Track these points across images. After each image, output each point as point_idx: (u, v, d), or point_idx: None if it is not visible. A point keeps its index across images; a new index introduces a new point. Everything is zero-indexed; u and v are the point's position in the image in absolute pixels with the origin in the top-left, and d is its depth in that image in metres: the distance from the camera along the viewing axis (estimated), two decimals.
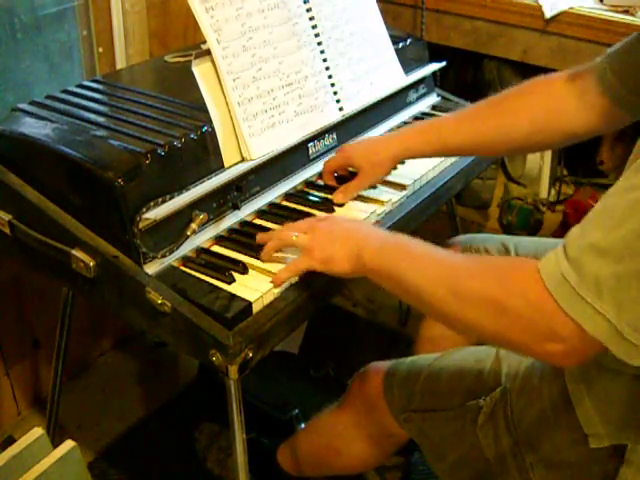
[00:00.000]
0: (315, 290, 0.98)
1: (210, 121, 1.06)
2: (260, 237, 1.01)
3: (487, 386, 1.02)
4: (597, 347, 0.70)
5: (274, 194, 1.15)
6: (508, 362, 1.03)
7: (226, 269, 0.97)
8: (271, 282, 0.95)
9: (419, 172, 1.24)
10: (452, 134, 1.12)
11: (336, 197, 1.16)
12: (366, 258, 0.88)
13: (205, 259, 1.01)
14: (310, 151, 1.22)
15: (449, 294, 0.77)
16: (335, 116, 1.24)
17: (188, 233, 0.99)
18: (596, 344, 0.69)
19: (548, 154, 1.95)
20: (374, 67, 1.33)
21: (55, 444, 1.12)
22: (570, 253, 0.69)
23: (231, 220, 1.08)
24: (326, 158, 1.25)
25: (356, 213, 1.11)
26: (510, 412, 0.99)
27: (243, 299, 0.91)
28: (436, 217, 1.00)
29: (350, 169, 1.19)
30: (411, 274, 0.82)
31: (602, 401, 0.93)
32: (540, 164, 1.99)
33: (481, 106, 1.13)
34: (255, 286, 0.94)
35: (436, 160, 1.28)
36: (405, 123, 1.44)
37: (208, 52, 1.05)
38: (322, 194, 1.17)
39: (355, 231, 0.92)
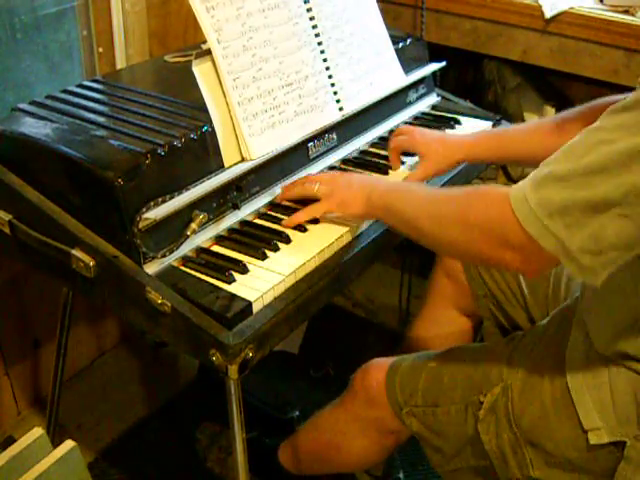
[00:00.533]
0: (315, 290, 0.98)
1: (210, 121, 1.06)
2: (283, 193, 1.13)
3: (488, 382, 1.03)
4: (550, 259, 0.79)
5: (274, 194, 1.15)
6: (509, 359, 1.04)
7: (226, 269, 0.97)
8: (284, 223, 1.07)
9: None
10: (519, 144, 1.17)
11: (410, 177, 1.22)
12: (374, 199, 1.02)
13: (205, 259, 1.01)
14: (310, 151, 1.22)
15: (432, 219, 0.91)
16: (335, 116, 1.24)
17: (188, 233, 0.99)
18: (549, 256, 0.78)
19: None
20: (374, 67, 1.33)
21: (55, 444, 1.12)
22: (535, 178, 0.79)
23: (231, 220, 1.08)
24: (326, 158, 1.25)
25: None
26: (511, 408, 1.00)
27: (243, 299, 0.91)
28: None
29: None
30: (406, 207, 0.96)
31: (603, 398, 0.94)
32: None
33: (555, 119, 1.15)
34: (255, 286, 0.94)
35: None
36: (405, 123, 1.44)
37: (208, 52, 1.05)
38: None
39: (368, 179, 1.10)
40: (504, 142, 1.19)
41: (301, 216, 1.08)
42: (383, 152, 1.32)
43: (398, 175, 1.25)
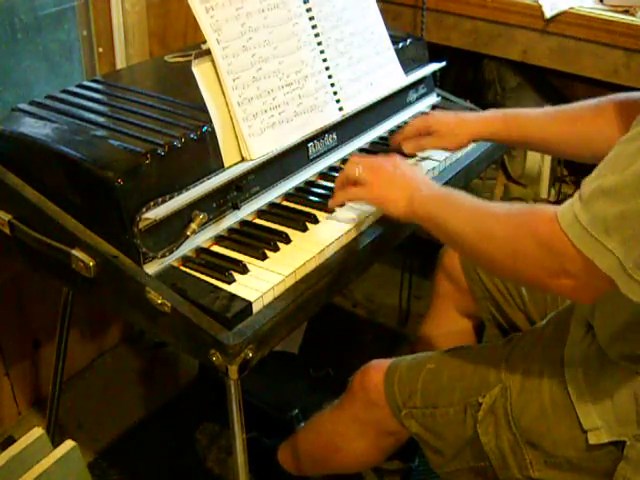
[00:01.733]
0: (315, 290, 0.98)
1: (210, 121, 1.06)
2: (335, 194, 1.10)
3: (487, 383, 1.03)
4: (606, 283, 0.76)
5: (274, 194, 1.15)
6: (508, 359, 1.04)
7: (226, 269, 0.97)
8: (330, 205, 1.09)
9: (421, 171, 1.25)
10: (536, 128, 1.16)
11: (406, 146, 1.24)
12: (416, 204, 0.99)
13: (205, 259, 1.01)
14: (310, 151, 1.22)
15: (476, 234, 0.88)
16: (335, 116, 1.24)
17: (188, 233, 0.99)
18: (605, 280, 0.75)
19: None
20: (374, 67, 1.33)
21: (55, 444, 1.12)
22: (582, 195, 0.77)
23: (231, 220, 1.08)
24: (326, 158, 1.25)
25: (353, 215, 1.11)
26: (510, 409, 1.00)
27: (243, 299, 0.91)
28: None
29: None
30: (450, 219, 0.93)
31: (602, 397, 0.94)
32: (540, 164, 1.98)
33: (578, 109, 1.14)
34: (255, 286, 0.94)
35: (436, 161, 1.28)
36: (405, 123, 1.44)
37: (208, 52, 1.05)
38: (322, 192, 1.17)
39: (412, 179, 1.03)
40: (521, 123, 1.17)
41: (339, 198, 1.08)
42: (383, 152, 1.32)
43: None
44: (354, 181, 1.06)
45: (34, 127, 1.08)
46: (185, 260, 1.00)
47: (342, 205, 1.10)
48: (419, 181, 1.03)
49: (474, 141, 1.24)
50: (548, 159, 1.97)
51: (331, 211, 1.12)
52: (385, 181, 1.03)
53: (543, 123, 1.15)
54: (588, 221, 0.75)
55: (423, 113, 1.49)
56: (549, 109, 1.18)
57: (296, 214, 1.12)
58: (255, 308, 0.92)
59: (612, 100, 1.09)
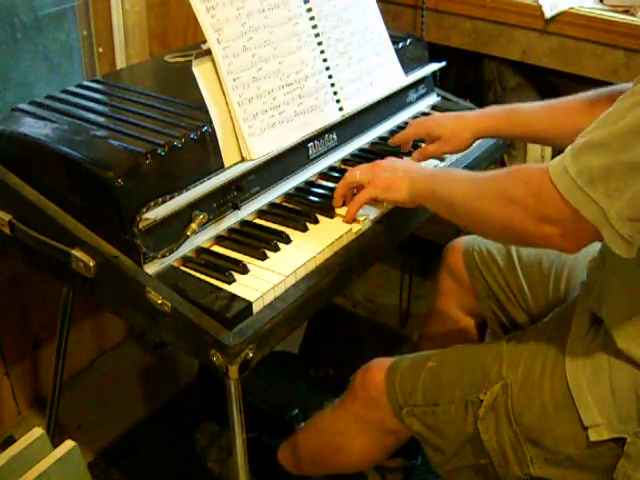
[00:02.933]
0: (315, 290, 0.98)
1: (210, 121, 1.06)
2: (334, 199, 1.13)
3: (488, 380, 1.03)
4: (591, 233, 0.80)
5: (274, 194, 1.15)
6: (509, 357, 1.04)
7: (226, 269, 0.97)
8: (344, 221, 1.08)
9: None
10: (536, 122, 1.18)
11: (412, 156, 1.26)
12: (417, 184, 1.03)
13: (205, 259, 1.01)
14: (310, 151, 1.22)
15: (472, 197, 0.93)
16: (335, 116, 1.24)
17: (188, 233, 0.99)
18: (590, 229, 0.79)
19: (548, 153, 1.95)
20: (374, 67, 1.33)
21: (55, 444, 1.12)
22: (573, 148, 0.80)
23: (231, 220, 1.08)
24: (326, 158, 1.25)
25: (361, 210, 1.10)
26: (511, 406, 1.00)
27: (243, 299, 0.91)
28: (438, 218, 1.02)
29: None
30: (450, 191, 0.98)
31: (603, 394, 0.94)
32: (540, 163, 1.98)
33: (574, 101, 1.16)
34: (255, 286, 0.94)
35: (436, 160, 1.28)
36: (406, 123, 1.44)
37: (208, 52, 1.05)
38: (322, 192, 1.17)
39: (410, 165, 1.11)
40: (522, 117, 1.19)
41: (352, 209, 1.08)
42: (383, 152, 1.32)
43: None
44: (356, 185, 1.09)
45: (34, 127, 1.08)
46: (185, 260, 1.00)
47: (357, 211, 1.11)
48: (416, 166, 1.11)
49: (477, 139, 1.25)
50: (548, 158, 1.97)
51: (331, 211, 1.12)
52: (386, 171, 1.07)
53: (542, 116, 1.17)
54: (576, 172, 0.78)
55: (423, 113, 1.49)
56: (546, 102, 1.19)
57: (296, 214, 1.12)
58: (255, 308, 0.92)
59: (607, 91, 1.12)
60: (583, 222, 0.79)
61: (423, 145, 1.29)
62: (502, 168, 0.93)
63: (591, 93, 1.14)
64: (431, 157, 1.27)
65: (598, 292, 1.00)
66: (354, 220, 1.09)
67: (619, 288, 0.95)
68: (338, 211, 1.12)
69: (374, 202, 1.10)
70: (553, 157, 2.05)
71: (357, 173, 1.09)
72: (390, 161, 1.11)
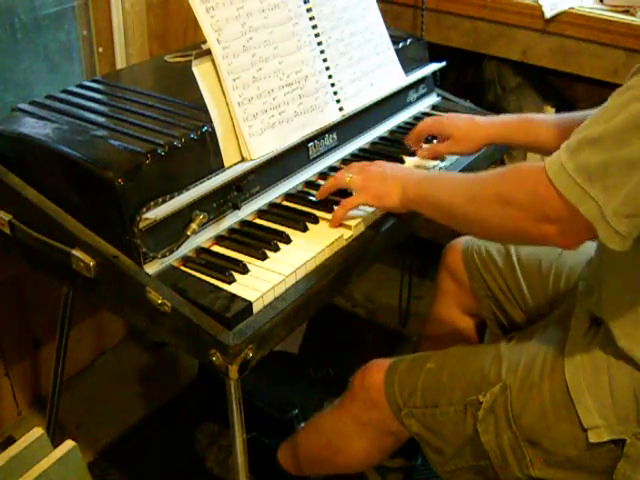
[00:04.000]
0: (315, 290, 0.98)
1: (210, 121, 1.06)
2: (319, 192, 1.12)
3: (487, 382, 1.03)
4: (588, 230, 0.80)
5: (274, 194, 1.15)
6: (508, 358, 1.04)
7: (226, 269, 0.97)
8: (330, 226, 1.07)
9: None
10: (550, 135, 1.17)
11: (420, 152, 1.28)
12: (409, 190, 1.03)
13: (205, 259, 1.01)
14: (310, 151, 1.22)
15: (468, 200, 0.92)
16: (335, 116, 1.24)
17: (188, 233, 0.99)
18: (587, 226, 0.79)
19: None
20: (374, 67, 1.33)
21: (55, 444, 1.12)
22: (570, 145, 0.80)
23: (231, 220, 1.08)
24: (326, 158, 1.25)
25: (353, 215, 1.10)
26: (510, 408, 1.00)
27: (243, 299, 0.91)
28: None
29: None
30: (443, 195, 0.97)
31: (602, 396, 0.94)
32: None
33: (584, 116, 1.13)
34: (255, 286, 0.94)
35: (436, 161, 1.28)
36: (405, 123, 1.44)
37: (208, 52, 1.05)
38: None
39: (400, 170, 1.09)
40: (536, 129, 1.19)
41: (340, 212, 1.08)
42: (384, 152, 1.33)
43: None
44: (345, 188, 1.09)
45: (34, 127, 1.08)
46: (185, 260, 1.00)
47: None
48: (407, 171, 1.09)
49: (487, 144, 1.25)
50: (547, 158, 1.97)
51: (331, 211, 1.12)
52: (376, 180, 1.07)
53: (556, 130, 1.16)
54: (573, 169, 0.78)
55: (424, 113, 1.49)
56: (562, 116, 1.19)
57: (296, 214, 1.12)
58: (255, 308, 0.92)
59: None
60: (580, 219, 0.79)
61: (434, 142, 1.30)
62: (496, 169, 0.93)
63: None
64: (439, 156, 1.27)
65: (597, 292, 1.00)
66: (340, 225, 1.08)
67: (618, 287, 0.95)
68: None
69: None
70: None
71: (347, 177, 1.09)
72: (380, 166, 1.09)
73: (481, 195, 0.90)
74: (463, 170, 1.31)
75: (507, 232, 0.90)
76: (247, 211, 1.10)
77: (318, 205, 1.14)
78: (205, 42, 1.06)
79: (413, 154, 1.31)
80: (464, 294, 1.33)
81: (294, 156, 1.18)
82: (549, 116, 1.22)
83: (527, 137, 1.20)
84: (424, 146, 1.31)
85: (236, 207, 1.07)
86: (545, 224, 0.83)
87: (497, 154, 1.44)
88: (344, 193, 1.12)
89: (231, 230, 1.08)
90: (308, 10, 1.21)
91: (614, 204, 0.77)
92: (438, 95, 1.56)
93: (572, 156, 0.79)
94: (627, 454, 0.93)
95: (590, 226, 0.79)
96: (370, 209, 1.11)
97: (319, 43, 1.23)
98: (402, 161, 1.29)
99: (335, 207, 1.12)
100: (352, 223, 1.08)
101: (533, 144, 1.21)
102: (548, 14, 1.62)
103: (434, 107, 1.53)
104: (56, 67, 1.52)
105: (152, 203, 0.96)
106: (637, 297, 0.93)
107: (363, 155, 1.31)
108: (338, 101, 1.25)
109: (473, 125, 1.23)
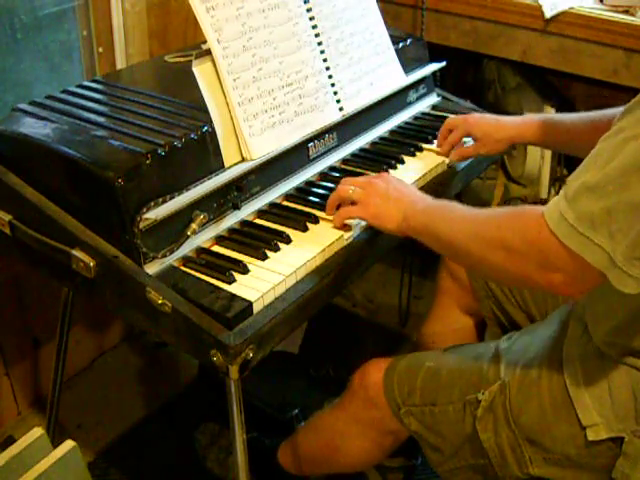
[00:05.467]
0: (315, 290, 0.98)
1: (210, 121, 1.06)
2: (326, 209, 1.12)
3: (486, 380, 1.03)
4: (596, 277, 0.78)
5: (274, 194, 1.15)
6: (507, 357, 1.04)
7: (226, 269, 0.97)
8: (333, 227, 1.07)
9: (420, 171, 1.25)
10: (574, 135, 1.17)
11: (452, 155, 1.29)
12: (410, 218, 1.00)
13: (205, 259, 1.01)
14: (310, 151, 1.22)
15: (470, 241, 0.90)
16: (335, 116, 1.24)
17: (188, 233, 0.99)
18: (595, 273, 0.77)
19: (548, 154, 1.95)
20: (374, 67, 1.33)
21: (55, 444, 1.12)
22: (567, 194, 0.78)
23: (231, 220, 1.08)
24: (326, 158, 1.25)
25: None
26: (509, 406, 1.00)
27: (243, 299, 0.91)
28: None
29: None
30: (444, 229, 0.95)
31: (601, 394, 0.94)
32: (540, 164, 1.98)
33: (605, 115, 1.13)
34: (256, 286, 0.94)
35: (435, 160, 1.28)
36: (405, 123, 1.44)
37: (208, 52, 1.05)
38: (323, 192, 1.17)
39: (405, 194, 1.05)
40: (560, 129, 1.19)
41: (337, 221, 1.07)
42: (384, 152, 1.33)
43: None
44: (348, 201, 1.07)
45: (34, 127, 1.08)
46: (186, 260, 1.00)
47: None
48: (412, 195, 1.04)
49: (512, 144, 1.26)
50: (548, 159, 1.97)
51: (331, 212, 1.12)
52: (379, 198, 1.04)
53: (580, 130, 1.16)
54: (574, 218, 0.77)
55: (424, 113, 1.50)
56: (584, 115, 1.19)
57: (296, 214, 1.12)
58: (256, 308, 0.92)
59: None
60: (587, 267, 0.77)
61: (466, 143, 1.31)
62: (498, 208, 0.92)
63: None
64: (469, 157, 1.30)
65: (585, 297, 1.00)
66: (343, 226, 1.08)
67: (601, 294, 0.95)
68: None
69: None
70: (552, 160, 2.05)
71: (350, 189, 1.06)
72: (385, 182, 1.06)
73: (484, 236, 0.88)
74: (462, 171, 1.31)
75: (510, 277, 0.88)
76: (247, 211, 1.10)
77: (318, 205, 1.14)
78: (205, 42, 1.06)
79: (413, 154, 1.31)
80: (464, 294, 1.34)
81: (294, 156, 1.18)
82: (571, 115, 1.21)
83: (550, 139, 1.21)
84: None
85: (236, 207, 1.07)
86: (552, 274, 0.81)
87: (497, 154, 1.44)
88: None
89: (231, 230, 1.08)
90: (308, 10, 1.21)
91: (622, 249, 0.75)
92: (438, 95, 1.56)
93: (571, 205, 0.77)
94: (626, 452, 0.93)
95: (598, 273, 0.77)
96: None
97: (319, 43, 1.23)
98: (402, 161, 1.29)
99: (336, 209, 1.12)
100: (353, 223, 1.08)
101: (556, 145, 1.23)
102: (548, 14, 1.62)
103: (434, 107, 1.53)
104: (56, 67, 1.52)
105: (152, 203, 0.96)
106: (614, 308, 0.93)
107: (363, 155, 1.31)
108: (338, 101, 1.25)
109: (497, 125, 1.24)
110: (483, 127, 1.25)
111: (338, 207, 1.10)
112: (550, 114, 1.24)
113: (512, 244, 0.83)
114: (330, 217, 1.10)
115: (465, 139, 1.30)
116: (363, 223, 1.09)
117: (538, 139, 1.22)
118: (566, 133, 1.18)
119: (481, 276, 0.97)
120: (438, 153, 1.32)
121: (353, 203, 1.07)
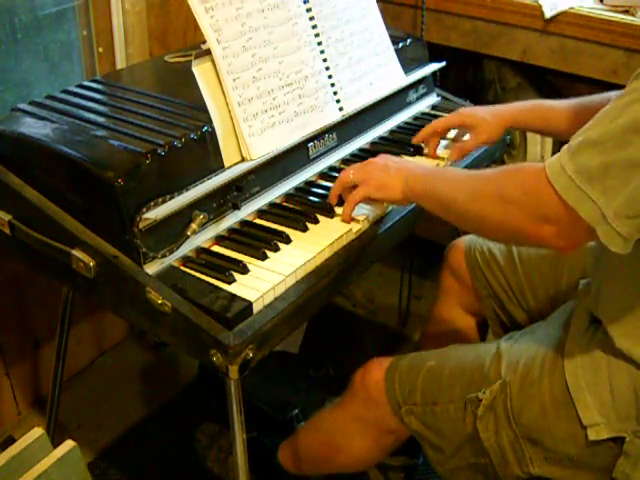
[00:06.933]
0: (315, 290, 0.98)
1: (210, 121, 1.06)
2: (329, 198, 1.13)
3: (487, 379, 1.03)
4: (587, 232, 0.80)
5: (274, 194, 1.15)
6: (508, 356, 1.04)
7: (226, 269, 0.97)
8: (342, 221, 1.09)
9: None
10: (565, 120, 1.18)
11: (452, 154, 1.28)
12: (413, 184, 1.03)
13: (205, 259, 1.01)
14: (310, 151, 1.22)
15: (469, 197, 0.92)
16: (335, 116, 1.24)
17: (188, 233, 0.99)
18: (586, 229, 0.79)
19: (548, 153, 1.95)
20: (374, 67, 1.33)
21: (55, 444, 1.12)
22: (570, 146, 0.80)
23: (231, 220, 1.08)
24: (326, 158, 1.25)
25: (353, 215, 1.10)
26: (510, 405, 1.00)
27: (243, 299, 0.91)
28: (438, 217, 1.02)
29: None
30: (444, 188, 0.97)
31: (602, 393, 0.95)
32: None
33: (594, 100, 1.16)
34: (255, 286, 0.94)
35: (436, 159, 1.28)
36: (405, 123, 1.44)
37: (208, 52, 1.05)
38: (322, 192, 1.17)
39: (404, 163, 1.10)
40: (546, 113, 1.21)
41: (347, 209, 1.09)
42: (384, 152, 1.32)
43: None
44: (350, 185, 1.09)
45: (34, 127, 1.08)
46: (185, 260, 1.00)
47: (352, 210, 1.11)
48: (410, 165, 1.09)
49: (506, 128, 1.26)
50: (548, 157, 1.97)
51: (331, 211, 1.12)
52: (380, 171, 1.07)
53: (565, 114, 1.18)
54: (574, 171, 0.78)
55: (424, 113, 1.49)
56: (574, 101, 1.20)
57: (296, 214, 1.12)
58: (255, 308, 0.92)
59: None
60: (579, 221, 0.79)
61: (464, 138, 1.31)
62: (499, 167, 0.93)
63: (616, 93, 1.13)
64: (470, 151, 1.29)
65: (596, 291, 1.00)
66: (352, 219, 1.09)
67: (617, 287, 0.95)
68: (338, 211, 1.12)
69: (373, 202, 1.10)
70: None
71: (350, 172, 1.09)
72: (383, 159, 1.10)
73: (482, 192, 0.90)
74: (464, 168, 1.31)
75: (505, 231, 0.90)
76: (247, 211, 1.10)
77: (318, 205, 1.14)
78: (205, 42, 1.06)
79: (413, 154, 1.31)
80: (466, 293, 1.34)
81: (294, 156, 1.18)
82: (564, 101, 1.22)
83: (538, 122, 1.22)
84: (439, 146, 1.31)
85: (236, 207, 1.07)
86: (543, 225, 0.83)
87: (497, 153, 1.45)
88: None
89: (231, 230, 1.08)
90: (308, 10, 1.21)
91: (615, 205, 0.77)
92: (438, 95, 1.56)
93: (572, 158, 0.79)
94: (626, 452, 0.93)
95: (589, 228, 0.79)
96: (371, 209, 1.11)
97: (319, 43, 1.23)
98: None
99: (335, 208, 1.12)
100: (360, 217, 1.09)
101: (543, 128, 1.24)
102: (548, 14, 1.62)
103: (434, 107, 1.53)
104: (56, 67, 1.52)
105: (152, 203, 0.96)
106: (635, 298, 0.93)
107: (363, 155, 1.31)
108: (338, 101, 1.25)
109: (490, 111, 1.25)
110: (478, 113, 1.25)
111: (331, 206, 1.11)
112: (541, 100, 1.25)
113: (510, 195, 0.85)
114: (339, 212, 1.11)
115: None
116: (371, 217, 1.10)
117: (531, 123, 1.24)
118: (557, 118, 1.20)
119: (477, 234, 1.04)
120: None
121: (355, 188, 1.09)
